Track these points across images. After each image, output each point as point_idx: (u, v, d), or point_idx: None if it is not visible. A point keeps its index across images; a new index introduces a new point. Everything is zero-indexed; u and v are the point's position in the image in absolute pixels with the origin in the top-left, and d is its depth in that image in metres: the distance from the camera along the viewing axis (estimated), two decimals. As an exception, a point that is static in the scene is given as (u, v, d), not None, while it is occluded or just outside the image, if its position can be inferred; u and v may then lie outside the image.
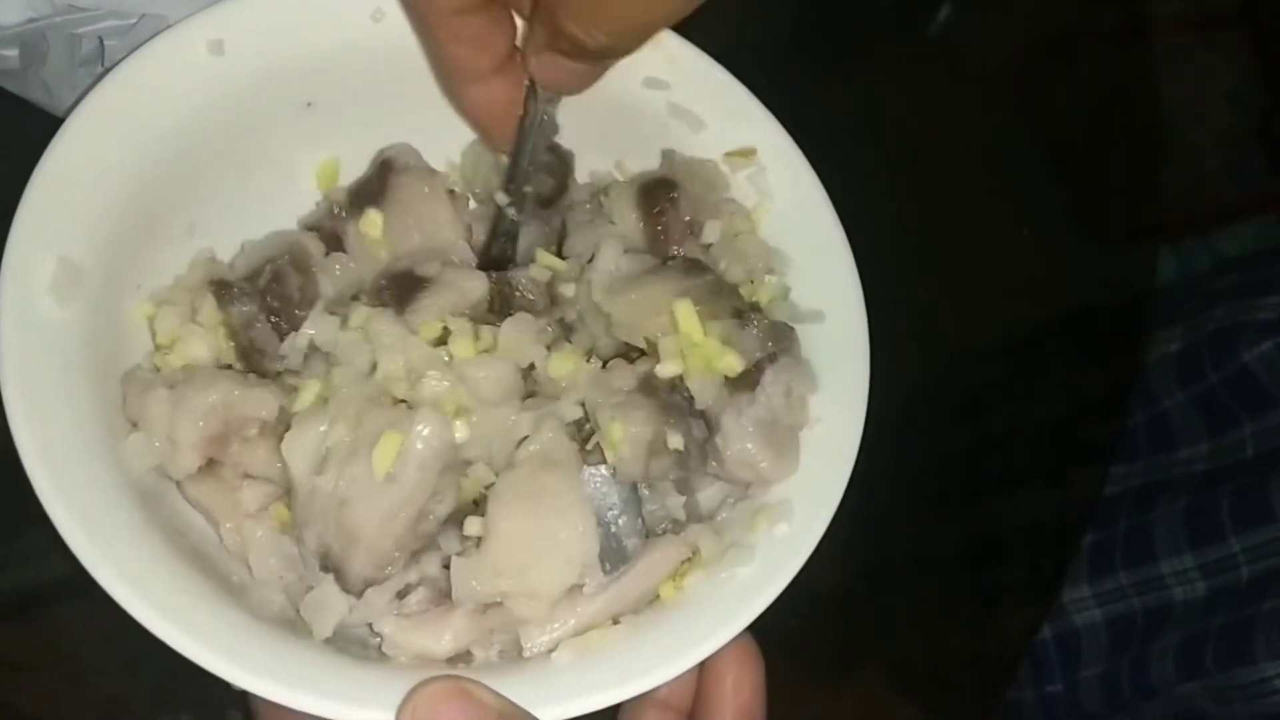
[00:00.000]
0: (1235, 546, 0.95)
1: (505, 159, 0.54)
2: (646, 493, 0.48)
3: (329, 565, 0.45)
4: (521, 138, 0.51)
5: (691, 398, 0.47)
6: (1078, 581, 1.03)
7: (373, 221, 0.53)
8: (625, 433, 0.45)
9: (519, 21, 0.49)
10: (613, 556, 0.46)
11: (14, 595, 0.61)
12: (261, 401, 0.47)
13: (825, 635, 0.72)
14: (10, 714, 0.59)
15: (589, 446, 0.47)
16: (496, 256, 0.55)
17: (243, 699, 0.46)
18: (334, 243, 0.53)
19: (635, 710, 0.54)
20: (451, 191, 0.55)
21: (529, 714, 0.42)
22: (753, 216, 0.54)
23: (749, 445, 0.47)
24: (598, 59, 0.46)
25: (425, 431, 0.43)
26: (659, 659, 0.44)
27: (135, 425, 0.46)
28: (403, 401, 0.45)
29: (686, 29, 0.54)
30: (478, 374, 0.46)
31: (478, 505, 0.46)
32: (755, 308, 0.50)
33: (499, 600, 0.45)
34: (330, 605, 0.45)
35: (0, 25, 0.53)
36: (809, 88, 0.77)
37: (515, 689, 0.42)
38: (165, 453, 0.46)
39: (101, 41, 0.55)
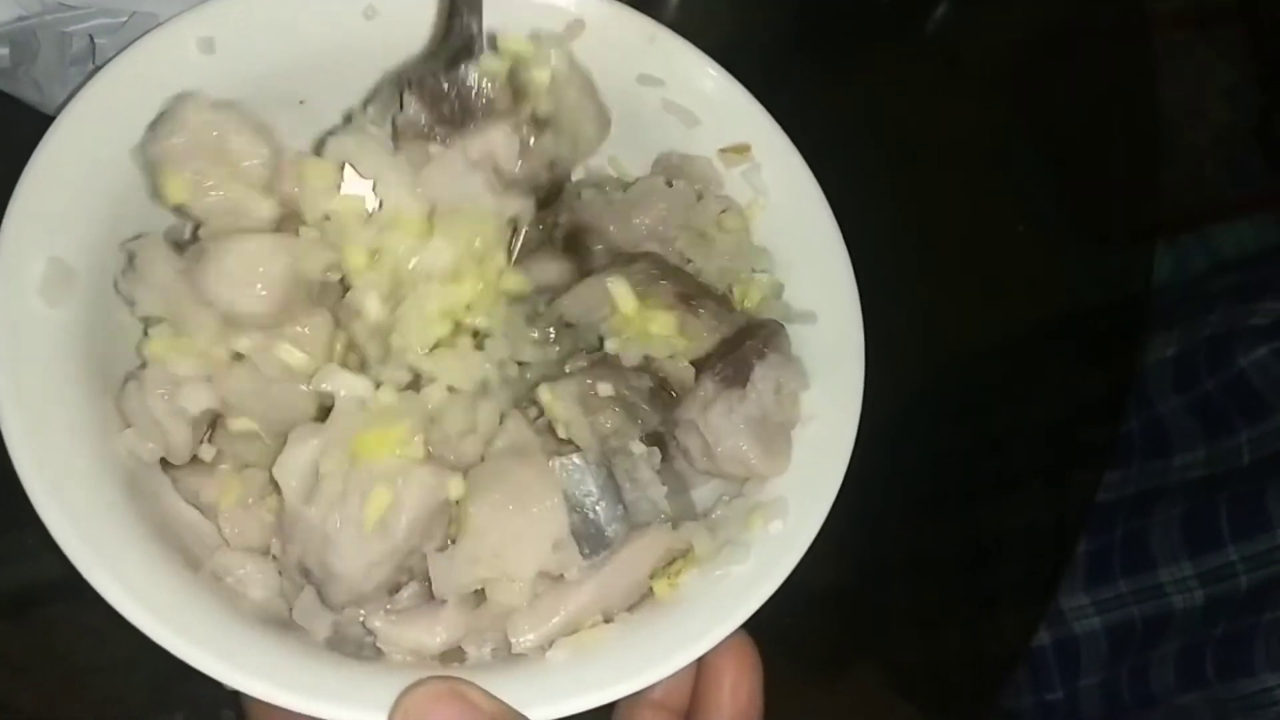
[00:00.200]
0: (1233, 555, 0.94)
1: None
2: (628, 484, 0.48)
3: (309, 581, 0.45)
4: None
5: (642, 369, 0.49)
6: (1076, 589, 1.02)
7: None
8: (554, 393, 0.47)
9: None
10: (592, 542, 0.46)
11: (9, 595, 0.61)
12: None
13: (821, 633, 0.72)
14: (7, 713, 0.59)
15: (564, 438, 0.47)
16: (449, 60, 0.50)
17: (235, 698, 0.46)
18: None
19: (630, 710, 0.53)
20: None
21: (521, 715, 0.41)
22: (746, 213, 0.54)
23: (740, 442, 0.48)
24: None
25: (418, 491, 0.43)
26: (653, 657, 0.44)
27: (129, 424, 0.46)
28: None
29: (686, 28, 0.54)
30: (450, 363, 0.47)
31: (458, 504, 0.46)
32: (714, 294, 0.51)
33: (480, 588, 0.45)
34: (321, 609, 0.44)
35: (-9, 23, 0.53)
36: (808, 87, 0.77)
37: (509, 688, 0.42)
38: (160, 433, 0.46)
39: (92, 39, 0.55)
